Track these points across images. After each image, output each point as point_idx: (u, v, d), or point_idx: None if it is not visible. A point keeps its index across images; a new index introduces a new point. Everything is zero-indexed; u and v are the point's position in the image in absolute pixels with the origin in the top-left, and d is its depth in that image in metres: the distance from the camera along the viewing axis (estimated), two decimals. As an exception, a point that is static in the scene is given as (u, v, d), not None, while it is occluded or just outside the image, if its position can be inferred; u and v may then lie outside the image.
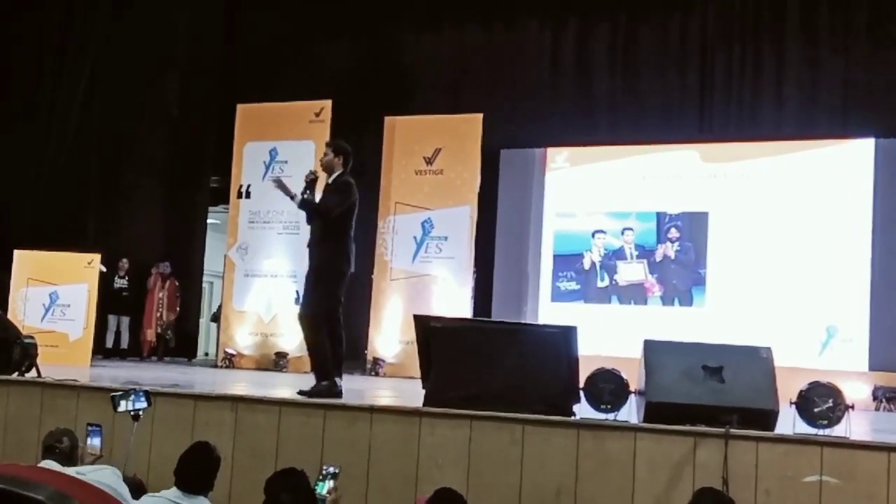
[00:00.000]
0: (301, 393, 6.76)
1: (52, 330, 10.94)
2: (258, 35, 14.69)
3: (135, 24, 14.09)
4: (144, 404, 5.12)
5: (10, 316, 9.47)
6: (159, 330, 13.55)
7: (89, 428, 5.05)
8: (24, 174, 13.90)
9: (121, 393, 5.14)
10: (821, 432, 5.42)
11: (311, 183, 7.16)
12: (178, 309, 13.74)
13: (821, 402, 5.51)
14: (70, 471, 4.45)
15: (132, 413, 5.10)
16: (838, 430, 5.43)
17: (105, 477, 4.45)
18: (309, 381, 10.43)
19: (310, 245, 7.20)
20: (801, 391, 5.60)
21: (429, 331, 6.35)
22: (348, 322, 12.89)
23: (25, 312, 11.05)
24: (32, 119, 14.03)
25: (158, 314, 13.50)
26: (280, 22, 14.48)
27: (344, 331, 7.28)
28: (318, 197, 7.23)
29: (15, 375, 7.10)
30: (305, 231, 12.05)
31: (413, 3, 14.00)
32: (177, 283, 13.72)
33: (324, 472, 4.46)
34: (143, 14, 14.14)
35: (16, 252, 11.44)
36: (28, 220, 13.65)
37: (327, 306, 7.15)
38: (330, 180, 7.25)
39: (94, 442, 4.98)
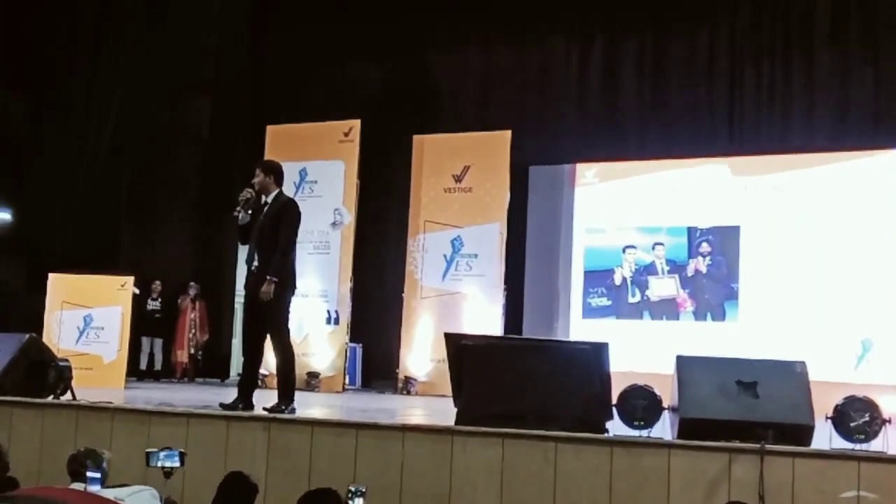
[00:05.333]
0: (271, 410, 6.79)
1: (87, 352, 11.02)
2: (286, 56, 14.80)
3: (163, 47, 14.21)
4: (177, 463, 5.14)
5: (45, 339, 9.54)
6: (192, 351, 13.65)
7: (89, 474, 5.00)
8: (57, 199, 14.04)
9: (154, 450, 5.17)
10: (858, 447, 5.36)
11: (245, 203, 7.15)
12: (207, 329, 13.83)
13: (857, 416, 5.45)
14: (108, 493, 4.48)
15: (164, 470, 5.12)
16: (875, 445, 5.37)
17: (143, 501, 4.46)
18: (339, 400, 10.48)
19: (263, 266, 7.12)
20: (836, 406, 5.54)
21: (460, 349, 6.33)
22: (379, 341, 13.13)
23: (60, 335, 11.14)
24: (64, 144, 14.18)
25: (191, 335, 13.60)
26: (308, 42, 14.56)
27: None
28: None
29: (50, 398, 7.16)
30: (336, 250, 12.32)
31: (440, 21, 14.04)
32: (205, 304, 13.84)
33: (351, 491, 4.45)
34: (171, 37, 14.26)
35: (50, 276, 11.55)
36: (62, 243, 13.77)
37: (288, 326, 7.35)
38: (269, 199, 7.26)
39: (93, 489, 4.94)
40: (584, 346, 6.35)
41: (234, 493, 4.58)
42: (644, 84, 13.14)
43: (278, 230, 7.16)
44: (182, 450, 5.23)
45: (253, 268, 7.15)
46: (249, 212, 7.19)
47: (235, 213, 7.18)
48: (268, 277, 6.99)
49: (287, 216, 7.22)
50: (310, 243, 12.31)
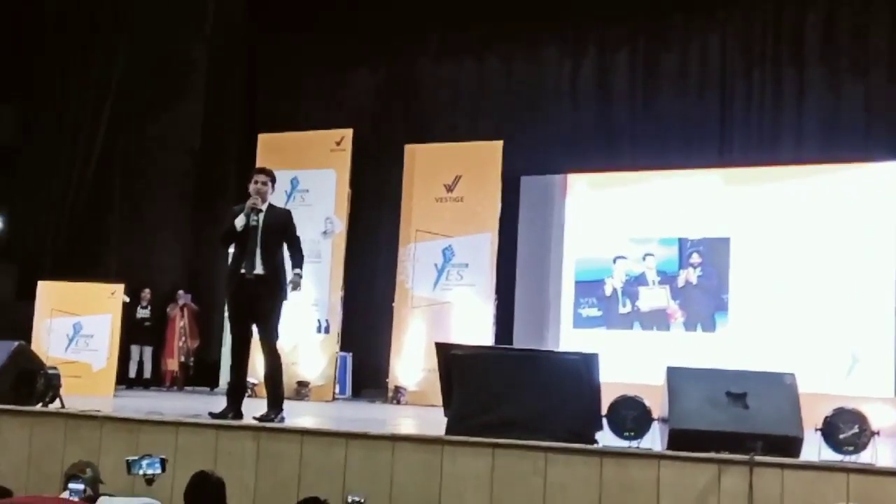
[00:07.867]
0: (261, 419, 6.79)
1: (76, 360, 10.97)
2: (278, 65, 14.82)
3: (155, 55, 14.22)
4: (159, 470, 5.13)
5: (33, 347, 9.48)
6: (182, 358, 13.61)
7: (70, 485, 4.97)
8: (47, 206, 14.02)
9: (136, 458, 5.15)
10: (847, 459, 5.37)
11: (253, 210, 7.19)
12: (197, 337, 13.80)
13: (846, 428, 5.46)
14: (115, 502, 4.51)
15: (146, 477, 5.11)
16: (864, 457, 5.38)
17: None
18: (329, 409, 10.45)
19: (267, 273, 7.15)
20: (826, 417, 5.55)
21: (450, 358, 6.32)
22: (369, 350, 13.12)
23: (49, 343, 11.09)
24: (54, 152, 14.16)
25: (181, 343, 13.57)
26: (300, 51, 14.59)
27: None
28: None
29: (38, 406, 7.12)
30: (327, 259, 12.30)
31: (432, 31, 14.08)
32: (196, 309, 13.76)
33: (349, 500, 4.43)
34: (163, 45, 14.27)
35: (40, 283, 11.53)
36: (52, 251, 13.76)
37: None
38: (263, 208, 7.27)
39: (75, 496, 4.92)
40: (575, 356, 6.34)
41: (203, 493, 4.57)
42: (636, 95, 13.18)
43: (284, 239, 7.29)
44: (163, 456, 5.20)
45: (252, 275, 7.12)
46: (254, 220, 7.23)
47: (244, 221, 7.15)
48: (296, 271, 7.19)
49: (293, 226, 7.38)
50: (301, 252, 12.25)
